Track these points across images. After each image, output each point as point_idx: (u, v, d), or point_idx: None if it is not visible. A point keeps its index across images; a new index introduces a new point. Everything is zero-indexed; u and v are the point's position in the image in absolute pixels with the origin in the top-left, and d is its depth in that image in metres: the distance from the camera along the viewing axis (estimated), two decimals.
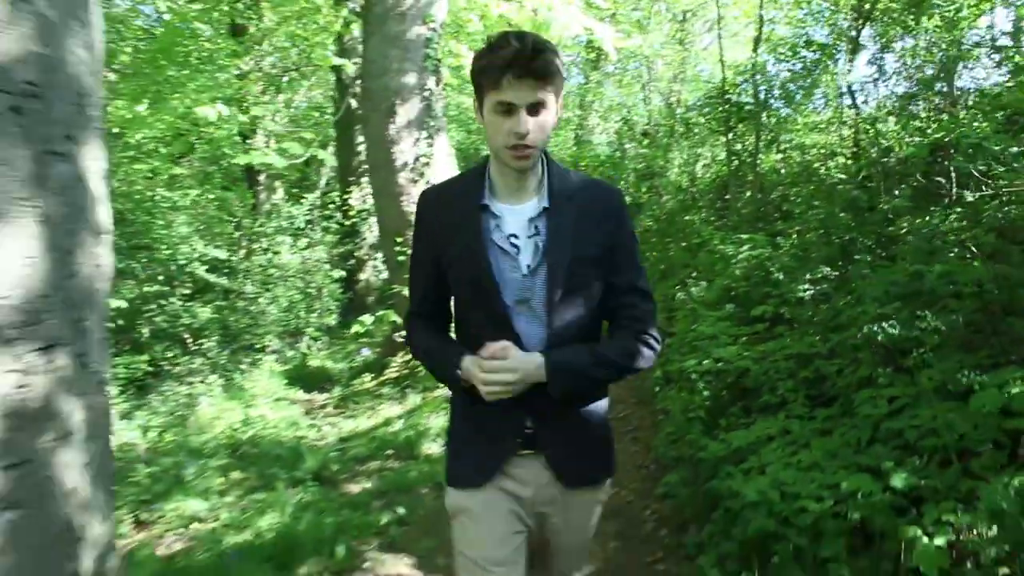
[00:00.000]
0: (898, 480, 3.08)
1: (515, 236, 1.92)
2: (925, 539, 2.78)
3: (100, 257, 2.18)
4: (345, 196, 11.61)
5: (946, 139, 4.53)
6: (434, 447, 5.57)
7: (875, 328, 3.80)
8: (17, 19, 1.83)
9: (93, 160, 2.13)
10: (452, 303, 2.08)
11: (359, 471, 5.27)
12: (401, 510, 4.48)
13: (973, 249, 4.17)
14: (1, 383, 1.86)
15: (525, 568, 2.04)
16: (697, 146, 11.12)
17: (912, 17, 7.80)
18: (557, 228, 1.92)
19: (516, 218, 1.93)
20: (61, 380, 2.01)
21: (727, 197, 9.40)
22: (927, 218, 4.73)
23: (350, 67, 9.57)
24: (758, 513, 3.30)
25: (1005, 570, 2.67)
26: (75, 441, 2.07)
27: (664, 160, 11.99)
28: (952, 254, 4.40)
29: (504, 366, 1.83)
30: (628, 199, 12.14)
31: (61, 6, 1.96)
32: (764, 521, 3.26)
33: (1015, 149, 4.23)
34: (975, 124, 4.47)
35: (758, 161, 9.11)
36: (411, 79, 7.43)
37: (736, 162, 9.47)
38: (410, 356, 7.37)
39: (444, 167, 7.73)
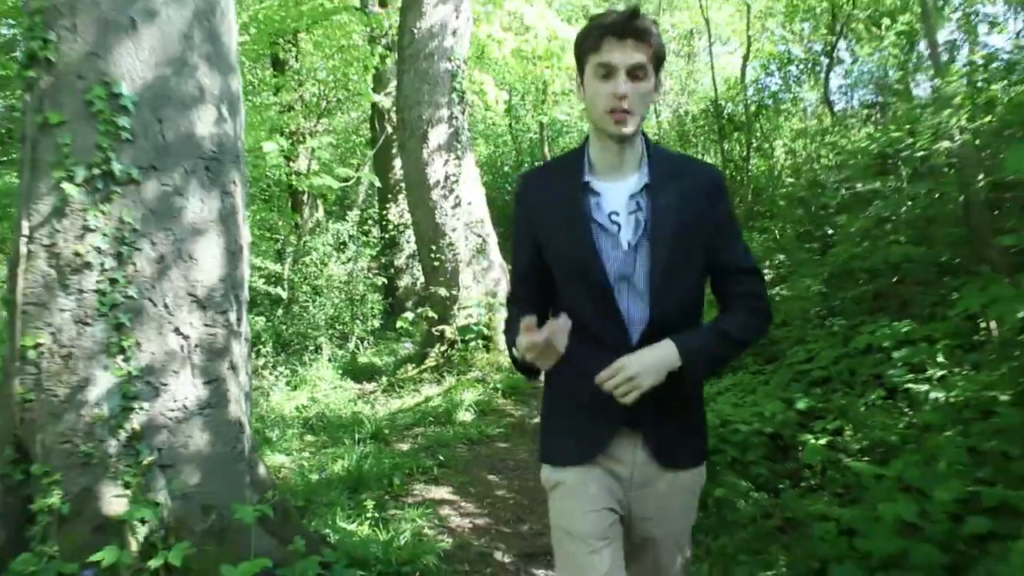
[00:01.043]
0: (801, 404, 4.23)
1: (616, 213, 1.92)
2: (813, 440, 3.92)
3: (245, 256, 3.44)
4: (384, 212, 12.89)
5: (870, 147, 5.65)
6: (467, 415, 6.77)
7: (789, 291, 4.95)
8: (207, 112, 3.10)
9: (241, 195, 3.38)
10: (555, 285, 2.04)
11: (407, 434, 6.49)
12: (441, 457, 5.70)
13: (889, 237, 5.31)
14: (202, 332, 3.12)
15: (622, 550, 2.02)
16: (700, 153, 12.25)
17: (873, 34, 8.90)
18: (659, 204, 1.91)
19: (617, 195, 1.93)
20: (229, 332, 3.26)
21: None
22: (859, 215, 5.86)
23: (387, 102, 10.83)
24: None
25: (867, 458, 3.80)
26: (237, 369, 3.32)
27: None
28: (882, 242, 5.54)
29: (626, 372, 1.80)
30: None
31: (228, 101, 3.22)
32: (710, 441, 4.42)
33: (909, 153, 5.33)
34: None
35: (749, 166, 10.22)
36: (440, 109, 8.67)
37: (731, 167, 10.58)
38: (444, 348, 8.61)
39: (471, 183, 8.97)
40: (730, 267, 1.99)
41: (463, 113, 8.96)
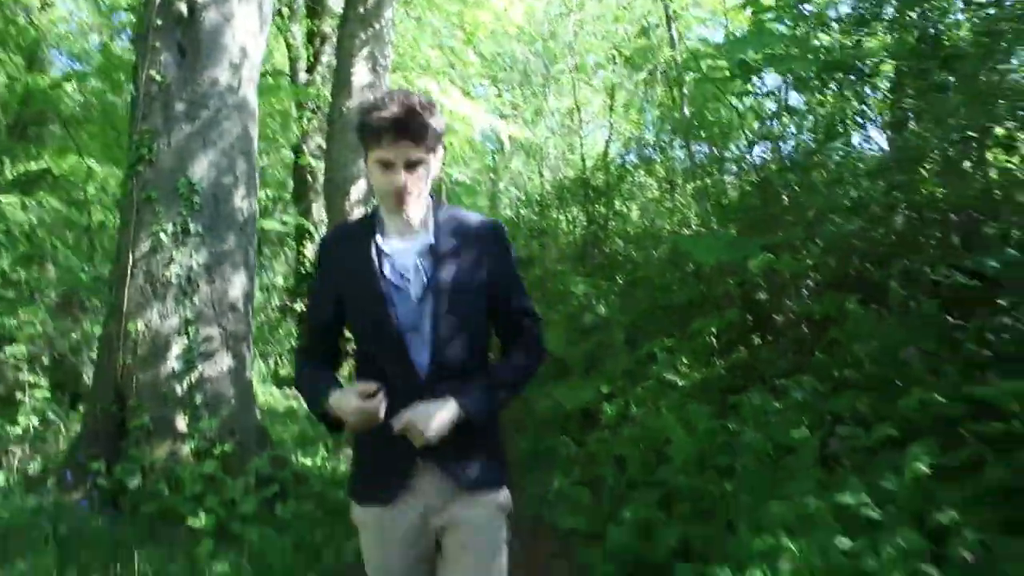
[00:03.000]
0: (604, 389, 6.54)
1: (406, 270, 2.09)
2: (609, 410, 6.23)
3: (254, 279, 5.49)
4: (301, 249, 14.88)
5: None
6: None
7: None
8: (240, 194, 5.23)
9: (254, 241, 5.47)
10: (348, 338, 2.24)
11: None
12: None
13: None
14: (233, 326, 5.18)
15: None
16: (571, 213, 14.78)
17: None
18: (440, 261, 2.08)
19: (405, 255, 2.10)
20: (246, 326, 5.32)
21: (587, 251, 13.02)
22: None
23: (319, 165, 12.96)
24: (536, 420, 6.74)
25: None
26: (249, 349, 5.38)
27: (553, 222, 15.64)
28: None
29: (414, 426, 1.96)
30: (524, 253, 15.82)
31: (251, 187, 5.34)
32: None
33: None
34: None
35: (608, 226, 12.76)
36: (360, 171, 10.80)
37: (593, 226, 13.10)
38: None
39: None
40: (510, 311, 2.22)
41: None
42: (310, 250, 14.81)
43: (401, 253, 2.11)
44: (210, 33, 5.13)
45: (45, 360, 8.06)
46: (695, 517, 3.80)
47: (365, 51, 10.73)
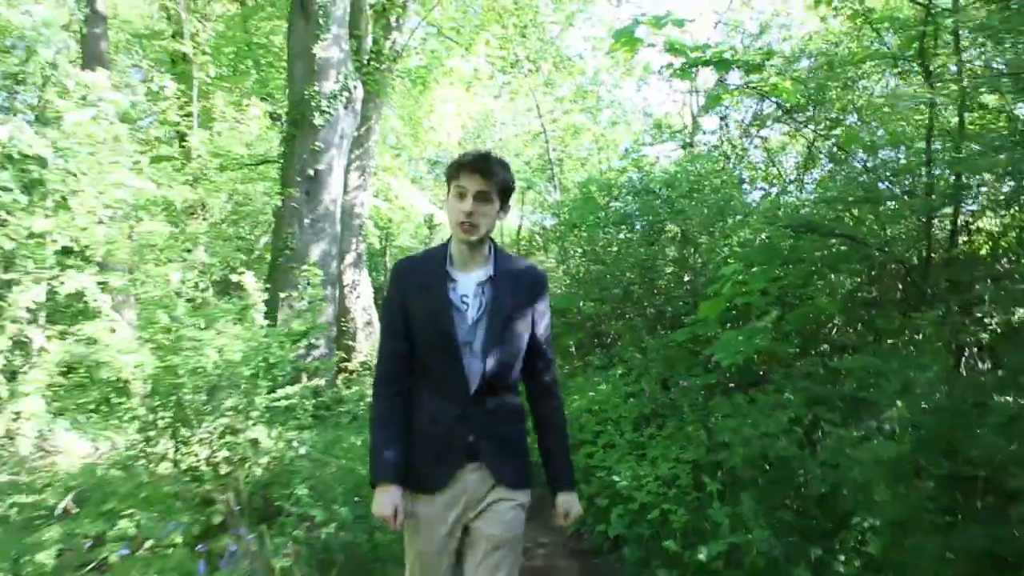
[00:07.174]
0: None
1: (466, 296, 2.54)
2: None
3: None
4: None
5: None
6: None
7: None
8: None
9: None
10: (413, 353, 2.57)
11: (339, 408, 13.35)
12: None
13: None
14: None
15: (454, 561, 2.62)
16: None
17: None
18: (497, 292, 2.54)
19: (467, 283, 2.55)
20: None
21: None
22: None
23: None
24: None
25: None
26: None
27: None
28: None
29: (576, 514, 2.68)
30: None
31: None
32: None
33: None
34: None
35: None
36: (351, 244, 15.71)
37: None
38: (348, 375, 15.23)
39: (364, 283, 16.00)
40: (539, 344, 2.67)
41: (363, 245, 16.12)
42: None
43: (464, 280, 2.57)
44: (322, 181, 10.15)
45: None
46: None
47: (358, 163, 15.77)
